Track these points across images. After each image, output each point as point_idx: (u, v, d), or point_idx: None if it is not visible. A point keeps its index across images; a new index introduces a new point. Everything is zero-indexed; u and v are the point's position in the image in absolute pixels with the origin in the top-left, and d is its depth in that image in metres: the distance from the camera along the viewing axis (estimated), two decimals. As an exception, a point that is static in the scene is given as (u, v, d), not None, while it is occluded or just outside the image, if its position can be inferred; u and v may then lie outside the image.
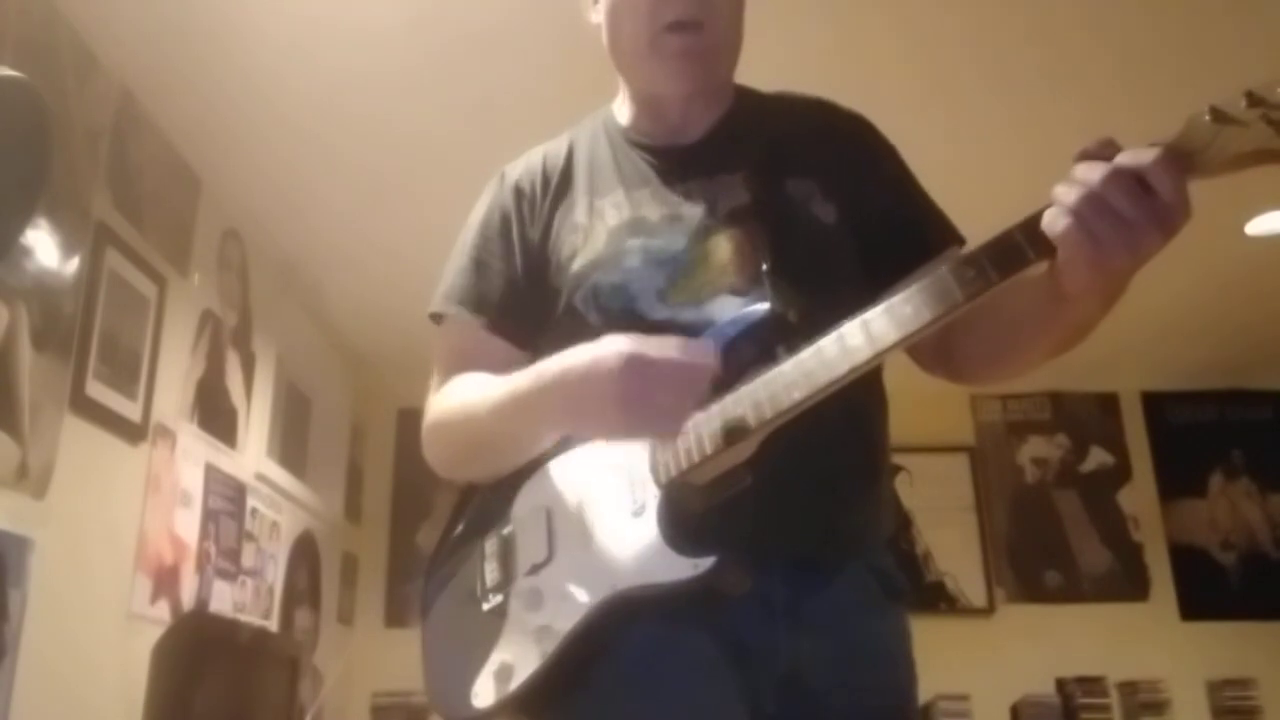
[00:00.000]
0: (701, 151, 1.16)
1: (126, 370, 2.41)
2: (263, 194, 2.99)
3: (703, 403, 0.93)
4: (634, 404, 0.90)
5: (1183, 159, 0.77)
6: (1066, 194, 0.80)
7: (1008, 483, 4.60)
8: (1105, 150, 0.80)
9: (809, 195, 1.11)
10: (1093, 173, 0.79)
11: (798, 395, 0.90)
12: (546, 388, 0.98)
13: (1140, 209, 0.77)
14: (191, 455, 2.73)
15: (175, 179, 2.73)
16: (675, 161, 1.16)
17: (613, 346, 0.93)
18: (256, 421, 3.24)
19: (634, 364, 0.91)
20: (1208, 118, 0.76)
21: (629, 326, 1.02)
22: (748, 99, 1.23)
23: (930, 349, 1.08)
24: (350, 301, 3.72)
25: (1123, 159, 0.78)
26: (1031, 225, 0.82)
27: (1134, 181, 0.77)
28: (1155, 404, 4.68)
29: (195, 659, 2.38)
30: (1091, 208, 0.78)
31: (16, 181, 2.00)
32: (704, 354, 0.93)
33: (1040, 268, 0.84)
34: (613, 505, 0.99)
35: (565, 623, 0.97)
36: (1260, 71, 0.76)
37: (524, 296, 1.16)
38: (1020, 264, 0.82)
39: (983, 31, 2.40)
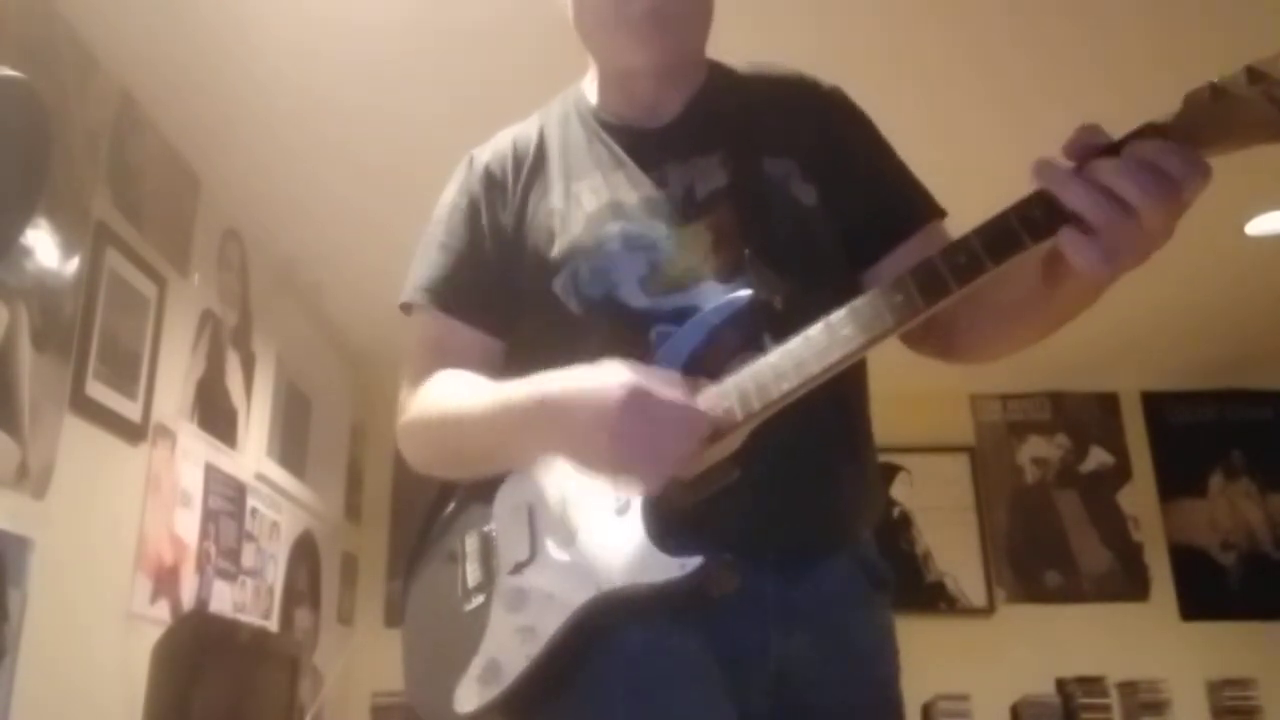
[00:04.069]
0: (677, 132, 1.12)
1: (126, 370, 2.41)
2: (263, 194, 2.99)
3: (697, 455, 0.89)
4: (626, 439, 0.87)
5: (1188, 138, 0.73)
6: (1091, 208, 0.74)
7: (1008, 483, 4.60)
8: (1091, 138, 0.77)
9: (788, 175, 1.08)
10: (1118, 181, 0.73)
11: (786, 386, 0.88)
12: (542, 403, 0.94)
13: (1160, 208, 0.73)
14: (191, 455, 2.73)
15: (175, 179, 2.73)
16: (650, 143, 1.12)
17: (618, 376, 0.89)
18: (256, 421, 3.23)
19: (637, 398, 0.87)
20: (1208, 95, 0.73)
21: (610, 314, 1.00)
22: (721, 74, 1.19)
23: (918, 328, 1.06)
24: (350, 301, 3.72)
25: (1139, 151, 0.74)
26: (1025, 209, 0.79)
27: (1151, 175, 0.73)
28: (1155, 404, 4.67)
29: (195, 659, 2.37)
30: (1114, 219, 0.74)
31: (16, 182, 2.00)
32: (707, 404, 0.90)
33: (1033, 252, 0.81)
34: (597, 502, 0.96)
35: (550, 624, 0.94)
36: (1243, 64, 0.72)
37: (497, 284, 1.12)
38: (1015, 249, 0.79)
39: (965, 24, 2.39)
